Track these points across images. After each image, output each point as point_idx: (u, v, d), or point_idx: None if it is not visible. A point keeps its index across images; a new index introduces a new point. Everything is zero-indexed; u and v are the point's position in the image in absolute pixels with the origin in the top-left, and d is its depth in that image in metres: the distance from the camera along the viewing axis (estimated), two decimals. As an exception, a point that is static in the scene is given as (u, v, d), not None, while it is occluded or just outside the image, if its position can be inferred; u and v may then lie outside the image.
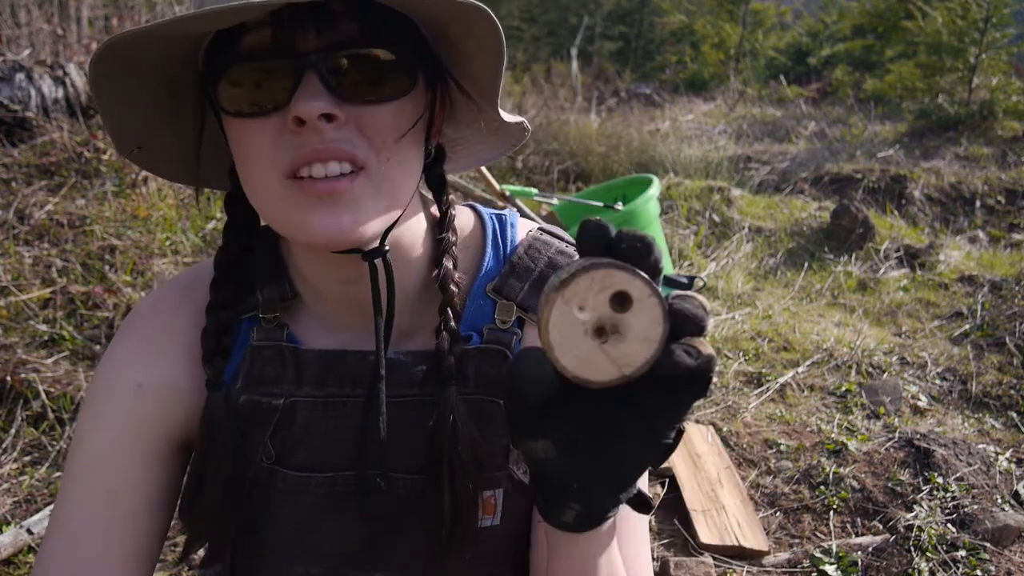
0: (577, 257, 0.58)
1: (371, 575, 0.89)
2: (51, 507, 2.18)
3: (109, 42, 0.67)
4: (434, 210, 0.91)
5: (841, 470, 2.58)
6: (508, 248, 0.92)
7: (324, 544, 0.88)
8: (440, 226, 0.88)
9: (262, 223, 0.91)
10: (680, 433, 0.63)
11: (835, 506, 2.45)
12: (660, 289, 0.55)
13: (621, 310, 0.54)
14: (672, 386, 0.57)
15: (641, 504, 0.70)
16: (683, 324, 0.56)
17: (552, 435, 0.62)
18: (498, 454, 0.87)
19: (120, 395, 0.86)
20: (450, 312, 0.84)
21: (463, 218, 0.94)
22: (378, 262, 0.79)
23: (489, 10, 0.70)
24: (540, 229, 0.95)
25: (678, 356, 0.55)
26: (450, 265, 0.86)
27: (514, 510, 0.89)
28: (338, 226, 0.71)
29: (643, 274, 0.54)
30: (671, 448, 0.62)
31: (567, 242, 0.94)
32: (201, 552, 0.96)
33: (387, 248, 0.78)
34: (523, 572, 0.91)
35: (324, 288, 0.87)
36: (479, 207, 0.96)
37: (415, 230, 0.86)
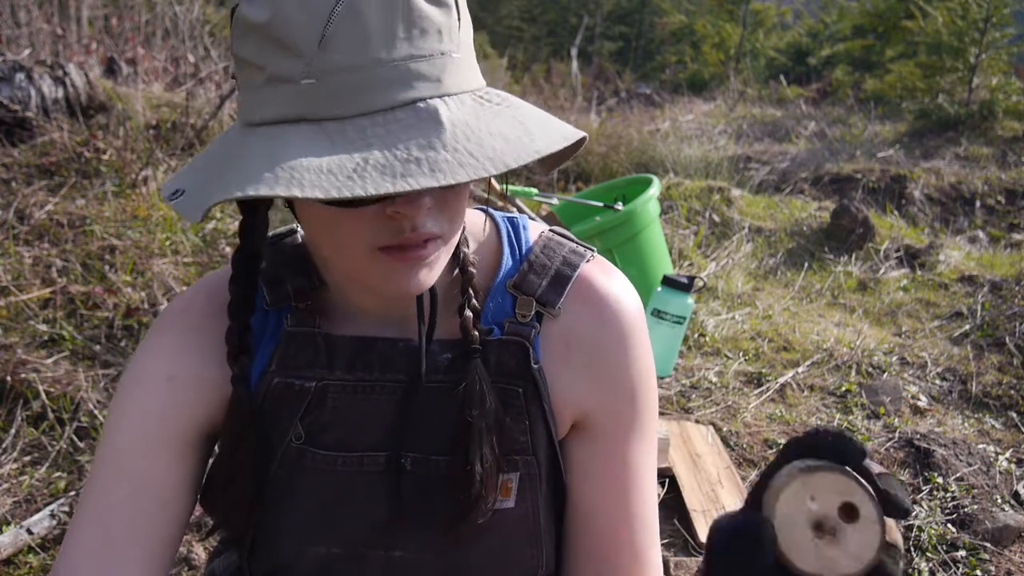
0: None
1: (391, 553, 0.92)
2: (51, 507, 2.18)
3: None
4: None
5: (841, 470, 2.58)
6: (523, 248, 0.97)
7: (347, 523, 0.92)
8: None
9: (271, 231, 0.95)
10: None
11: (835, 506, 2.45)
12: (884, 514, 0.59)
13: (846, 519, 0.58)
14: None
15: None
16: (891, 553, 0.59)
17: None
18: (516, 438, 0.91)
19: (151, 386, 0.90)
20: (471, 291, 0.89)
21: (477, 221, 0.99)
22: None
23: (586, 135, 0.77)
24: (551, 230, 1.01)
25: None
26: (467, 250, 0.92)
27: (527, 494, 0.93)
28: (418, 285, 0.79)
29: (878, 500, 0.58)
30: None
31: (576, 242, 0.99)
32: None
33: None
34: (539, 549, 0.95)
35: (357, 297, 0.91)
36: (490, 210, 1.01)
37: None
